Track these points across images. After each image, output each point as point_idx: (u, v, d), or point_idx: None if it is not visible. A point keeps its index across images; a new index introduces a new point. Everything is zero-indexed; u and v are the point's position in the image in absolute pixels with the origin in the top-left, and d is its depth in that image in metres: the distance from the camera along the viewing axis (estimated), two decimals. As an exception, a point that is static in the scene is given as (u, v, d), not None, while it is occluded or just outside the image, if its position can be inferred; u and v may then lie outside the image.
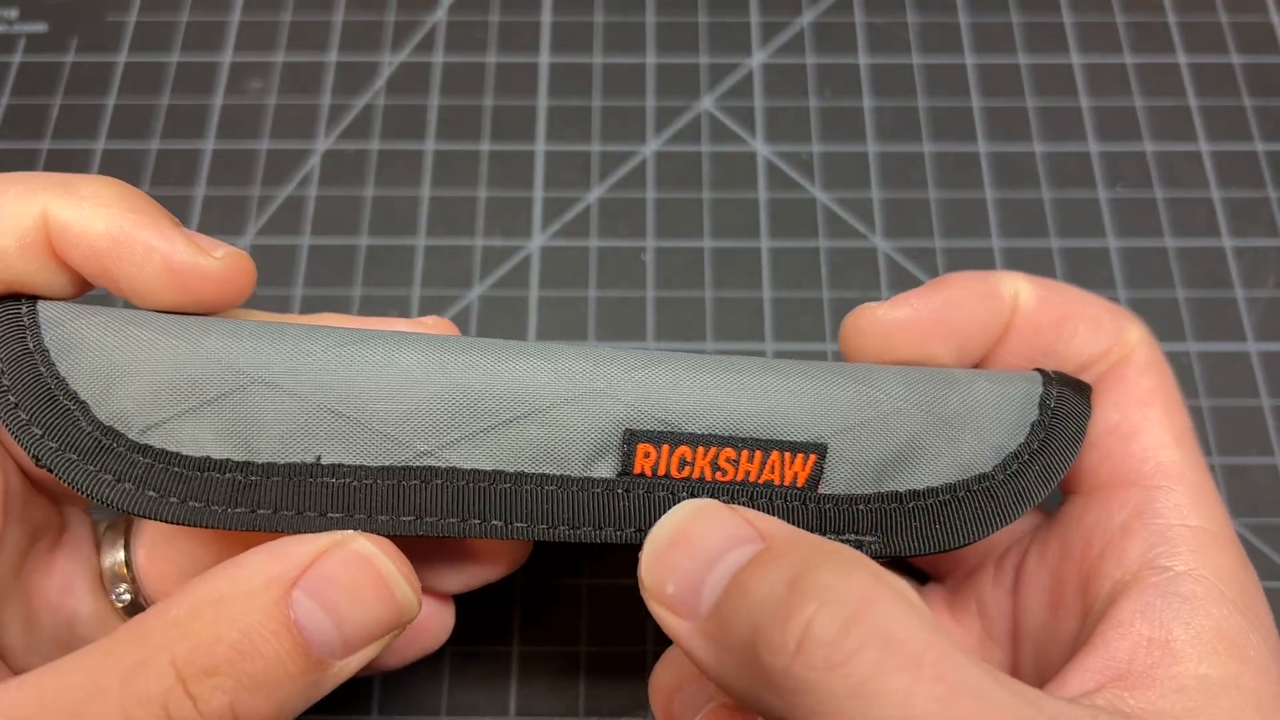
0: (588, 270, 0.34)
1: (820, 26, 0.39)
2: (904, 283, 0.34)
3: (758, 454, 0.20)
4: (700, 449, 0.20)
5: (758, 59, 0.38)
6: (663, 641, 0.29)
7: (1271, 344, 0.33)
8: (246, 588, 0.17)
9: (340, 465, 0.19)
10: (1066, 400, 0.22)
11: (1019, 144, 0.36)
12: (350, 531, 0.19)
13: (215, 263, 0.20)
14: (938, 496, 0.21)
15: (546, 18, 0.39)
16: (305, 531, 0.19)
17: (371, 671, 0.24)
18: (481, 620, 0.29)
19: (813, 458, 0.20)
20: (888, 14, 0.39)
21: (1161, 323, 0.33)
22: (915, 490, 0.21)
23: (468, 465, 0.20)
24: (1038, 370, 0.23)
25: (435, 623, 0.24)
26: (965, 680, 0.15)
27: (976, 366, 0.24)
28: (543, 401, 0.20)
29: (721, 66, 0.38)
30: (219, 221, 0.35)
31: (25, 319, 0.19)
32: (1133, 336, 0.22)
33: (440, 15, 0.39)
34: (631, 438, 0.20)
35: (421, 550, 0.23)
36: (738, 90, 0.38)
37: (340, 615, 0.18)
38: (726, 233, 0.35)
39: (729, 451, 0.20)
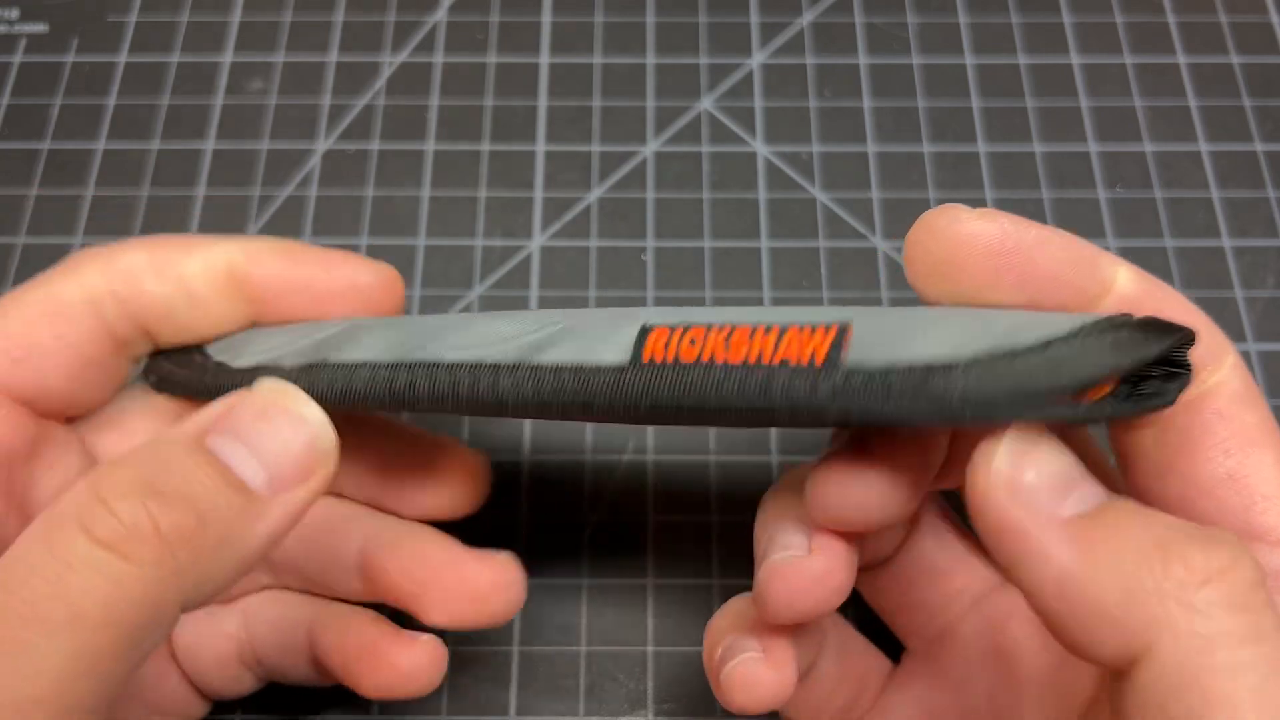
0: (588, 270, 0.34)
1: (820, 27, 0.39)
2: (904, 284, 0.34)
3: (774, 330, 0.19)
4: (715, 329, 0.19)
5: (758, 59, 0.38)
6: (662, 642, 0.29)
7: (1271, 344, 0.33)
8: (165, 434, 0.19)
9: (382, 362, 0.21)
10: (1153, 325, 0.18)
11: (1019, 144, 0.36)
12: (263, 381, 0.20)
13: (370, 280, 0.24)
14: (974, 364, 0.17)
15: (547, 18, 0.39)
16: (354, 407, 0.21)
17: (446, 625, 0.24)
18: (482, 620, 0.29)
19: (834, 329, 0.18)
20: (888, 14, 0.39)
21: (1161, 323, 0.33)
22: (946, 362, 0.18)
23: (495, 360, 0.20)
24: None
25: (492, 594, 0.24)
26: None
27: None
28: (567, 329, 0.20)
29: (721, 66, 0.38)
30: (219, 222, 0.35)
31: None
32: (1229, 360, 0.20)
33: (440, 15, 0.39)
34: (645, 329, 0.20)
35: (391, 472, 0.25)
36: (738, 90, 0.38)
37: (251, 441, 0.18)
38: (726, 233, 0.35)
39: (744, 329, 0.19)
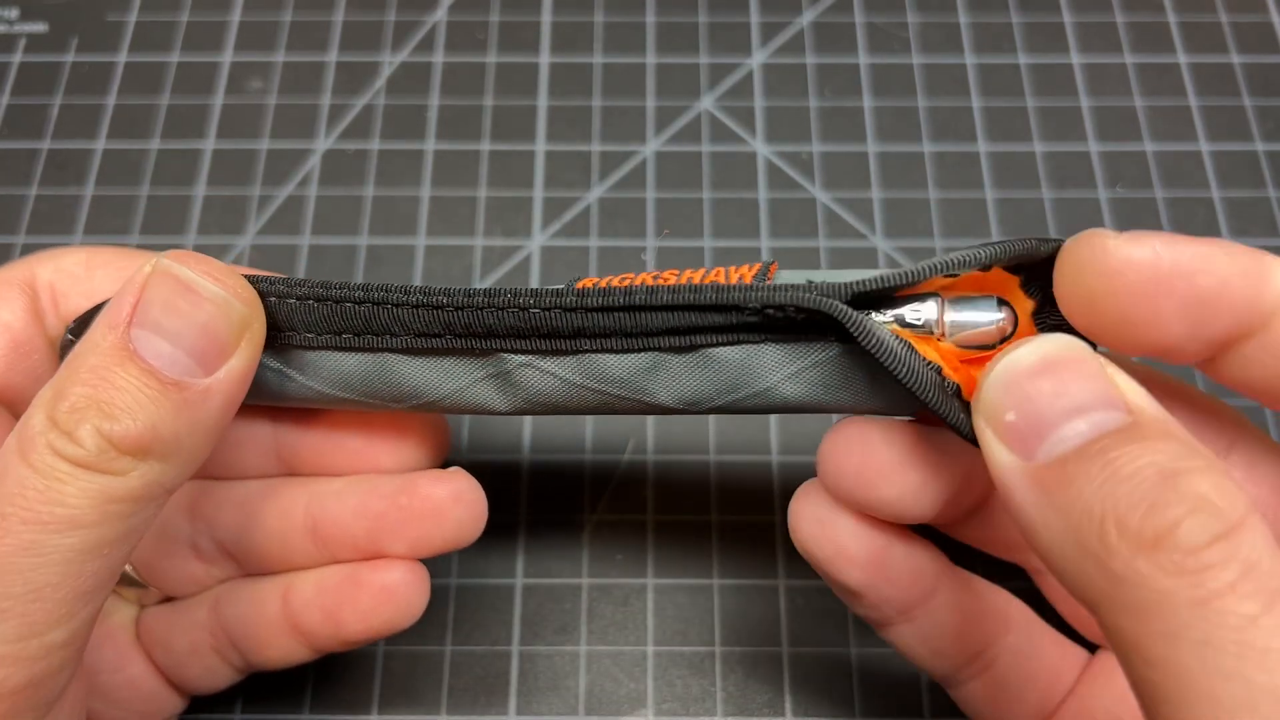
0: (588, 270, 0.34)
1: (820, 26, 0.39)
2: (904, 282, 0.34)
3: (700, 270, 0.20)
4: (643, 276, 0.21)
5: (758, 59, 0.38)
6: (662, 642, 0.29)
7: (1271, 344, 0.33)
8: (88, 341, 0.19)
9: (339, 293, 0.21)
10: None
11: (1019, 144, 0.36)
12: (157, 256, 0.20)
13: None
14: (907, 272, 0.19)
15: (546, 18, 0.39)
16: (308, 344, 0.21)
17: (347, 642, 0.24)
18: (481, 618, 0.29)
19: (758, 265, 0.20)
20: (888, 14, 0.39)
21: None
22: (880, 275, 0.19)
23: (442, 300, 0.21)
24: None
25: (452, 506, 0.24)
26: None
27: (1214, 361, 0.19)
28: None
29: (721, 66, 0.38)
30: (219, 221, 0.35)
31: None
32: None
33: (440, 15, 0.39)
34: (572, 280, 0.21)
35: (357, 428, 0.25)
36: (738, 90, 0.38)
37: (166, 330, 0.19)
38: (726, 233, 0.35)
39: (670, 272, 0.20)
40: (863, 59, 0.38)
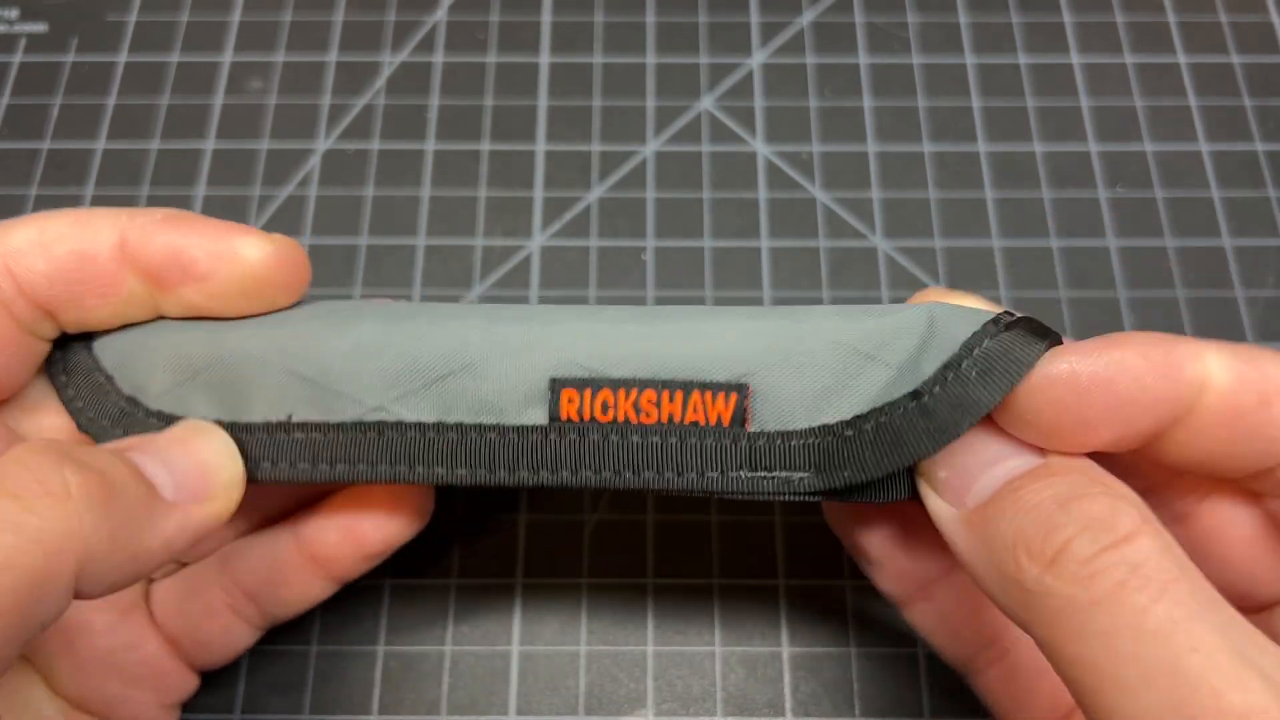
0: (588, 270, 0.34)
1: (820, 26, 0.39)
2: (904, 282, 0.34)
3: (679, 394, 0.21)
4: (621, 391, 0.21)
5: (758, 59, 0.38)
6: (662, 642, 0.29)
7: (1271, 344, 0.33)
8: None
9: (308, 422, 0.22)
10: (1018, 325, 0.20)
11: (1019, 144, 0.36)
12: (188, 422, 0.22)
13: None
14: (872, 419, 0.20)
15: (546, 18, 0.39)
16: (279, 480, 0.22)
17: (369, 556, 0.25)
18: (481, 618, 0.29)
19: (734, 396, 0.21)
20: (888, 14, 0.39)
21: (1161, 323, 0.33)
22: (845, 419, 0.20)
23: (413, 418, 0.21)
24: (1000, 312, 0.21)
25: (405, 492, 0.25)
26: (1207, 613, 0.16)
27: (1151, 449, 0.20)
28: (474, 356, 0.21)
29: (721, 66, 0.38)
30: (219, 221, 0.35)
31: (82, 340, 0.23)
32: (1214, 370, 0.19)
33: (440, 15, 0.39)
34: (556, 385, 0.21)
35: (341, 503, 0.25)
36: (738, 90, 0.38)
37: (163, 458, 0.20)
38: (726, 233, 0.35)
39: (650, 394, 0.21)
40: (863, 59, 0.38)
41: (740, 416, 0.20)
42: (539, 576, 0.30)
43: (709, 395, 0.21)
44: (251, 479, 0.22)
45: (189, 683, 0.26)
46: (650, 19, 0.39)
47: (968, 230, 0.35)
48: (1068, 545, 0.17)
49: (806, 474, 0.20)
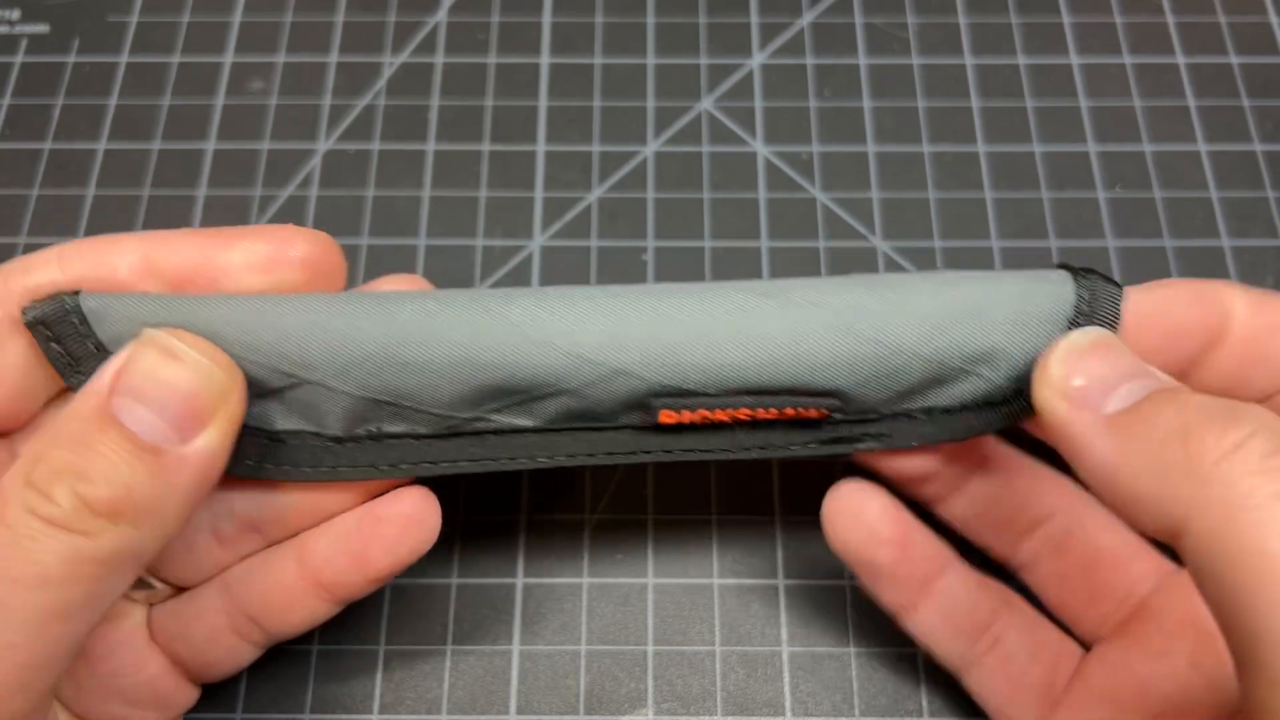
0: (588, 270, 0.34)
1: (820, 27, 0.39)
2: (903, 283, 0.34)
3: (773, 410, 0.22)
4: (719, 410, 0.22)
5: (758, 59, 0.38)
6: (662, 641, 0.29)
7: (1270, 344, 0.33)
8: (74, 409, 0.20)
9: (401, 433, 0.22)
10: (1100, 303, 0.22)
11: (1018, 144, 0.36)
12: (148, 329, 0.21)
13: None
14: (957, 414, 0.23)
15: (547, 18, 0.39)
16: (382, 478, 0.23)
17: (375, 579, 0.24)
18: (481, 618, 0.29)
19: (825, 412, 0.22)
20: (888, 14, 0.39)
21: (1160, 323, 0.33)
22: (924, 408, 0.23)
23: (510, 423, 0.22)
24: (1065, 269, 0.23)
25: (415, 516, 0.24)
26: None
27: (1189, 374, 0.23)
28: (570, 384, 0.22)
29: (721, 67, 0.38)
30: (220, 221, 0.35)
31: (69, 303, 0.21)
32: (1238, 302, 0.22)
33: (441, 16, 0.39)
34: (654, 406, 0.22)
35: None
36: (738, 90, 0.38)
37: (147, 396, 0.20)
38: (726, 233, 0.35)
39: (745, 410, 0.22)
40: (863, 59, 0.38)
41: (827, 416, 0.22)
42: (539, 576, 0.30)
43: (801, 407, 0.22)
44: (353, 478, 0.22)
45: (190, 696, 0.26)
46: (650, 19, 0.39)
47: (967, 231, 0.35)
48: (1250, 438, 0.17)
49: (876, 443, 0.23)
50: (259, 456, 0.23)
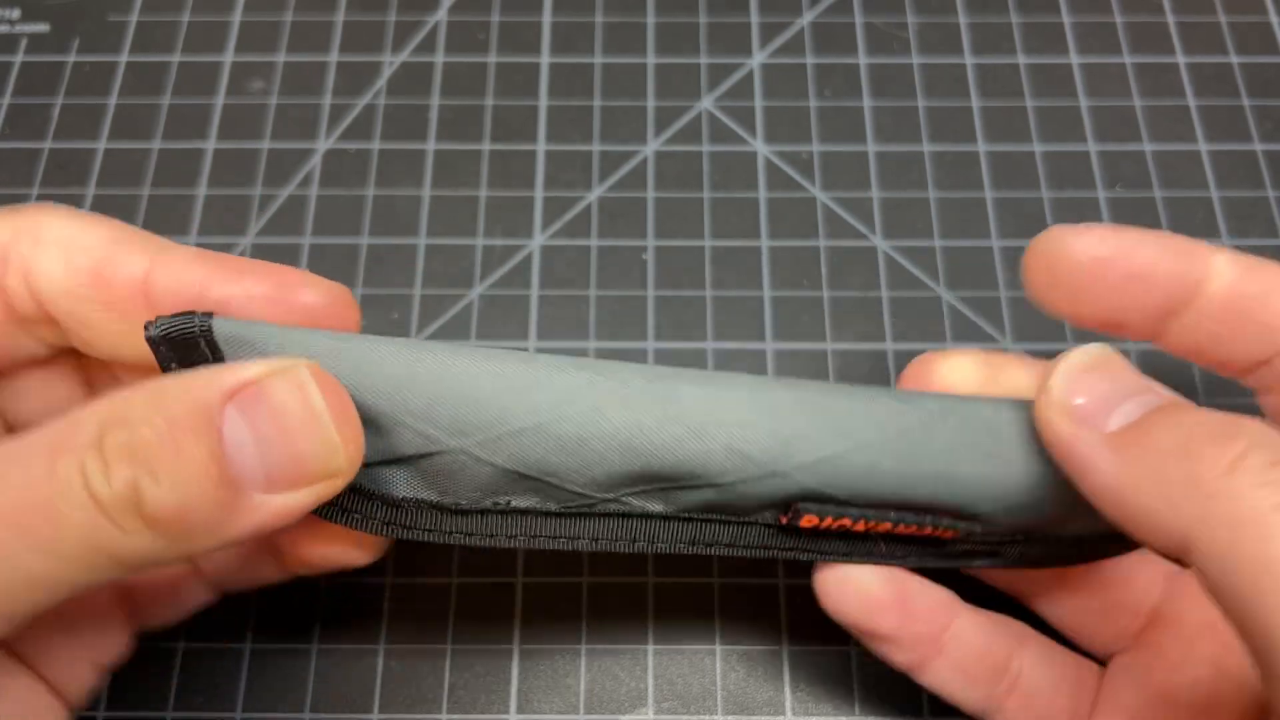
0: (588, 269, 0.34)
1: (820, 26, 0.39)
2: (904, 283, 0.34)
3: (913, 526, 0.22)
4: (861, 521, 0.22)
5: (758, 59, 0.38)
6: (662, 641, 0.29)
7: (1270, 343, 0.33)
8: (188, 384, 0.18)
9: (529, 508, 0.21)
10: None
11: (1018, 144, 0.36)
12: (295, 358, 0.19)
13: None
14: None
15: (547, 18, 0.39)
16: (496, 547, 0.21)
17: (297, 569, 0.24)
18: (482, 616, 0.29)
19: (959, 532, 0.22)
20: (888, 14, 0.39)
21: (1161, 322, 0.33)
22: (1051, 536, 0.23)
23: (643, 507, 0.21)
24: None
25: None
26: None
27: (1160, 336, 0.23)
28: (722, 480, 0.21)
29: (721, 66, 0.38)
30: (220, 221, 0.35)
31: (201, 324, 0.20)
32: (1218, 258, 0.22)
33: (441, 15, 0.39)
34: (801, 506, 0.21)
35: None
36: (738, 90, 0.38)
37: (264, 438, 0.18)
38: (726, 232, 0.35)
39: (886, 525, 0.22)
40: (863, 59, 0.38)
41: (958, 536, 0.22)
42: (539, 576, 0.30)
43: (943, 528, 0.22)
44: (466, 544, 0.21)
45: (124, 644, 0.24)
46: (650, 19, 0.39)
47: (967, 230, 0.35)
48: (1249, 451, 0.17)
49: (987, 561, 0.23)
50: (365, 513, 0.21)
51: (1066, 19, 0.39)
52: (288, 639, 0.29)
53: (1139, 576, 0.25)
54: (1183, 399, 0.20)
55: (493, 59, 0.38)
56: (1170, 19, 0.39)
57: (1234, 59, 0.38)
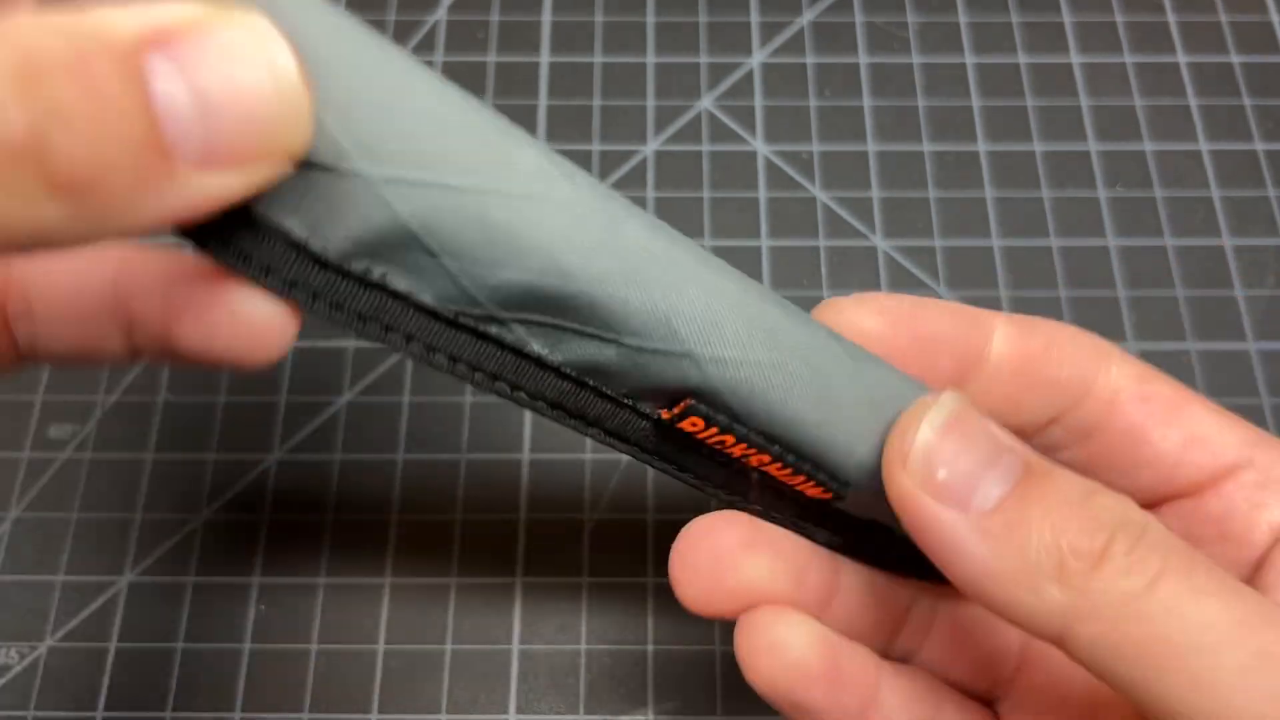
0: (588, 270, 0.34)
1: (820, 26, 0.39)
2: (904, 282, 0.34)
3: (788, 471, 0.20)
4: (741, 445, 0.20)
5: (758, 59, 0.38)
6: (662, 641, 0.29)
7: (1271, 343, 0.33)
8: (103, 19, 0.13)
9: (402, 291, 0.17)
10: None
11: (1018, 144, 0.36)
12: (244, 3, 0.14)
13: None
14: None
15: (546, 17, 0.39)
16: (360, 338, 0.18)
17: (147, 347, 0.19)
18: (481, 618, 0.29)
19: (831, 495, 0.21)
20: (888, 14, 0.39)
21: (1161, 322, 0.33)
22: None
23: (529, 345, 0.18)
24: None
25: (271, 327, 0.17)
26: (1222, 580, 0.17)
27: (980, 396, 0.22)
28: (631, 340, 0.18)
29: (721, 66, 0.38)
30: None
31: None
32: (1116, 354, 0.21)
33: (440, 15, 0.39)
34: (690, 406, 0.19)
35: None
36: (738, 90, 0.38)
37: (202, 87, 0.13)
38: (726, 232, 0.35)
39: (765, 458, 0.20)
40: (863, 59, 0.38)
41: (834, 497, 0.21)
42: (539, 576, 0.30)
43: (811, 484, 0.21)
44: (306, 306, 0.16)
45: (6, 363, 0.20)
46: (650, 19, 0.39)
47: (967, 230, 0.35)
48: (1111, 541, 0.17)
49: (841, 539, 0.22)
50: (221, 236, 0.16)
51: (1067, 18, 0.39)
52: (288, 639, 0.29)
53: (1000, 624, 0.24)
54: (1038, 458, 0.18)
55: (492, 58, 0.38)
56: (1171, 18, 0.39)
57: (1235, 58, 0.38)
